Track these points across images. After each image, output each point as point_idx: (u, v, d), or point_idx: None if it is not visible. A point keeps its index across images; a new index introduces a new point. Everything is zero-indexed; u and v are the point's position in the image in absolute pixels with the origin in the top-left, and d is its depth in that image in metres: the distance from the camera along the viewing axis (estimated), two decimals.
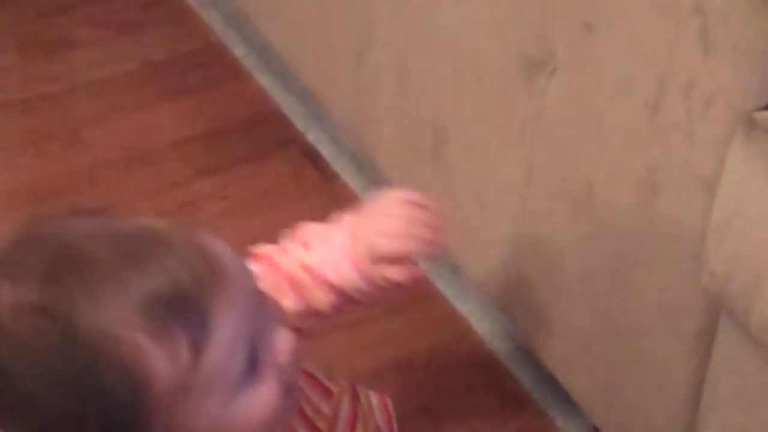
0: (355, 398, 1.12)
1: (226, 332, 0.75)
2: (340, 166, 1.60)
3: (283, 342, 0.80)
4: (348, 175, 1.59)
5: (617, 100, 1.13)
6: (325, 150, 1.61)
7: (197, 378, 0.73)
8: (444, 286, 1.50)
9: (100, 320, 0.71)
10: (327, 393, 1.09)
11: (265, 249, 1.00)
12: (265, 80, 1.69)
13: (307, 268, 0.98)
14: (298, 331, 0.85)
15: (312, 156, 1.60)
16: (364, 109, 1.50)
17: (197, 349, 0.72)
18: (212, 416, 0.77)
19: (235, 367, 0.76)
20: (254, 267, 0.91)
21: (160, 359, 0.72)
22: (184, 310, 0.73)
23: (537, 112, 1.23)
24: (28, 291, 0.74)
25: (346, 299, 0.98)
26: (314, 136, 1.62)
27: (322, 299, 0.99)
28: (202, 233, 0.79)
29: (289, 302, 0.96)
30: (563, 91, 1.21)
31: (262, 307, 0.80)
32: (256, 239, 1.51)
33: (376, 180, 1.56)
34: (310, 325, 0.99)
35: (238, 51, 1.72)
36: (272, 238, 1.50)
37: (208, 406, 0.74)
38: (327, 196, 1.56)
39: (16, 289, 0.74)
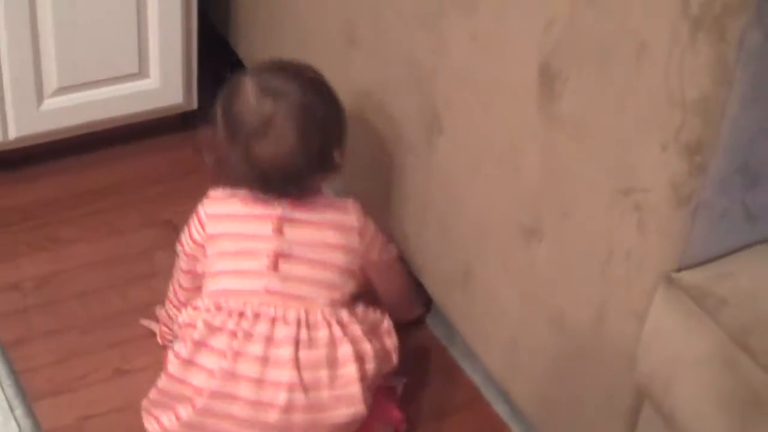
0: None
1: None
2: None
3: None
4: None
5: (583, 261, 1.28)
6: None
7: None
8: (462, 360, 1.67)
9: None
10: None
11: None
12: None
13: None
14: None
15: None
16: (415, 253, 1.66)
17: None
18: None
19: None
20: None
21: None
22: None
23: (530, 264, 1.40)
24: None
25: None
26: None
27: None
28: None
29: None
30: (548, 253, 1.35)
31: None
32: None
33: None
34: None
35: None
36: None
37: None
38: None
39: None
